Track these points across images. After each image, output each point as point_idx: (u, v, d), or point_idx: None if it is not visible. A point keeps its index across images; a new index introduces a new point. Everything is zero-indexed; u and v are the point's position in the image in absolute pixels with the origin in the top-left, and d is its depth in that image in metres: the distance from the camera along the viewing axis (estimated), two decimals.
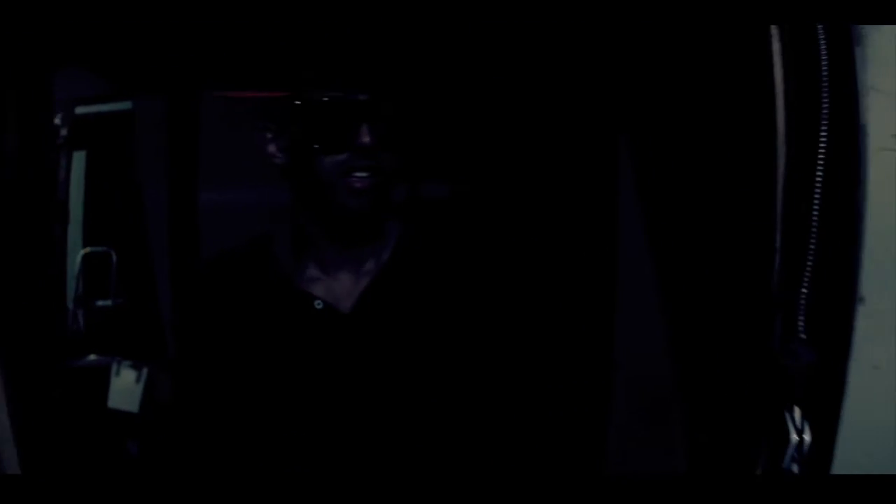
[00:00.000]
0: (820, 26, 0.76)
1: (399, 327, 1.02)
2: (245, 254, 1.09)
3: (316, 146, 0.96)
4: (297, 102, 0.97)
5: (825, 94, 0.75)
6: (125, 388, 2.20)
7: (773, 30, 0.80)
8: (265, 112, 1.04)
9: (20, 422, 0.82)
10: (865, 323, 0.76)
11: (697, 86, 1.08)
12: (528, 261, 1.09)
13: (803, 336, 0.75)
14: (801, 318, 0.76)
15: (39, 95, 0.89)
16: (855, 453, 0.78)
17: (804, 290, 0.75)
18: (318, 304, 1.02)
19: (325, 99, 0.95)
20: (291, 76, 1.00)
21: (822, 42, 0.76)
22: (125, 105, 2.24)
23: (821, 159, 0.75)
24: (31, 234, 0.81)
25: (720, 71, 0.96)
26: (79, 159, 2.46)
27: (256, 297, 1.04)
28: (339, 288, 1.04)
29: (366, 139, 0.95)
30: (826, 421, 0.76)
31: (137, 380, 2.20)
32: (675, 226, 1.18)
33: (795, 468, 0.74)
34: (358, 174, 0.96)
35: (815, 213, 0.75)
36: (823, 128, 0.75)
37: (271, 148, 1.03)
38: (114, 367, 2.19)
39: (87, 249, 2.43)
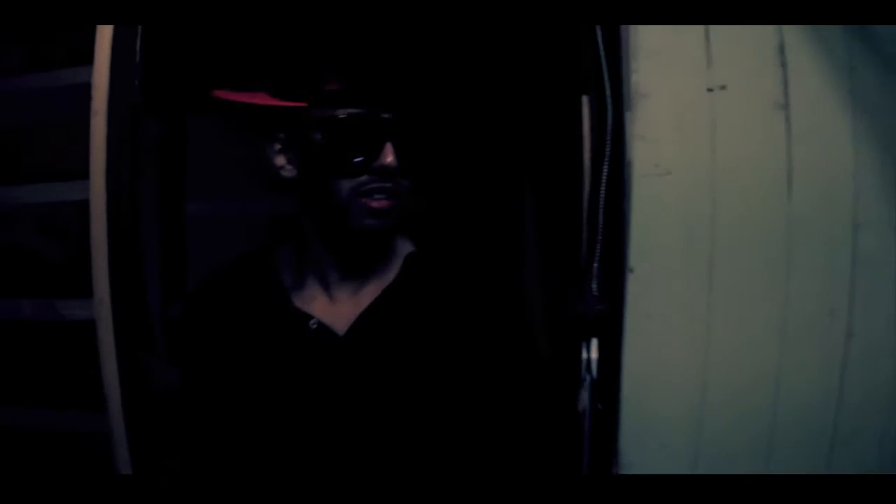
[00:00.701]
0: (608, 99, 1.21)
1: (392, 353, 0.98)
2: (244, 269, 1.06)
3: (333, 164, 0.92)
4: (316, 116, 0.92)
5: (608, 141, 1.20)
6: None
7: (584, 99, 1.25)
8: (277, 121, 0.97)
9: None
10: (635, 285, 1.20)
11: (548, 141, 1.53)
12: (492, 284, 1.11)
13: (596, 294, 1.20)
14: (595, 282, 1.20)
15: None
16: (635, 368, 1.22)
17: (596, 265, 1.20)
18: (313, 325, 0.98)
19: (347, 115, 0.90)
20: (312, 87, 0.93)
21: (609, 108, 1.21)
22: None
23: (605, 183, 1.19)
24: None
25: (556, 127, 1.41)
26: None
27: (253, 315, 1.01)
28: (338, 309, 1.00)
29: (389, 160, 0.91)
30: (612, 347, 1.20)
31: None
32: (541, 231, 1.64)
33: (589, 377, 1.19)
34: (376, 196, 0.92)
35: (602, 217, 1.20)
36: (606, 163, 1.20)
37: (279, 160, 0.97)
38: None
39: None
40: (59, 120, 1.43)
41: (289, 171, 0.98)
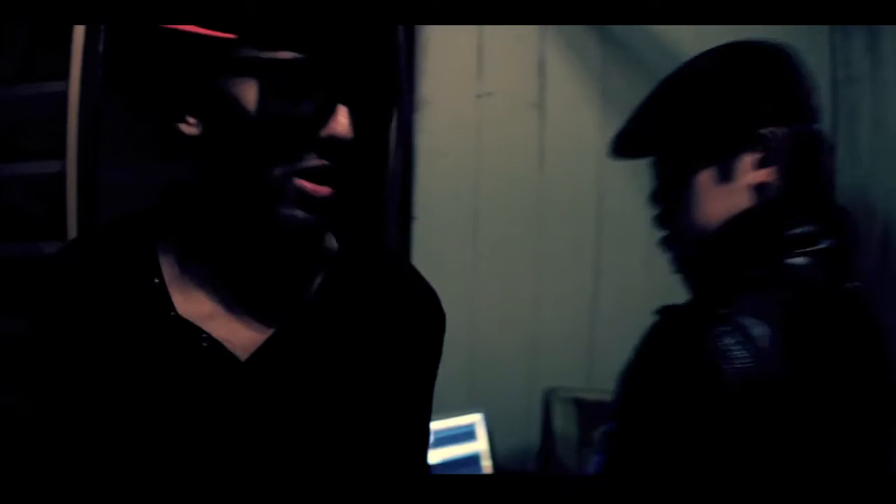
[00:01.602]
0: (406, 105, 1.87)
1: (302, 386, 0.79)
2: (118, 250, 0.81)
3: (263, 125, 0.68)
4: (248, 55, 0.68)
5: (406, 132, 1.86)
6: None
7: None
8: (193, 57, 0.70)
9: None
10: (418, 229, 1.87)
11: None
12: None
13: (393, 235, 1.87)
14: (393, 226, 1.87)
15: None
16: None
17: (393, 215, 1.87)
18: (205, 343, 0.77)
19: (293, 59, 0.67)
20: (243, 15, 0.68)
21: (406, 111, 1.87)
22: None
23: (401, 161, 1.86)
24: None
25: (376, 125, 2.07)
26: None
27: (129, 314, 0.79)
28: (238, 324, 0.79)
29: (342, 129, 0.69)
30: None
31: None
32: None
33: None
34: (316, 179, 0.70)
35: (399, 182, 1.86)
36: (401, 148, 1.86)
37: (189, 118, 0.73)
38: None
39: None
40: (41, 118, 2.06)
41: (193, 127, 0.73)
